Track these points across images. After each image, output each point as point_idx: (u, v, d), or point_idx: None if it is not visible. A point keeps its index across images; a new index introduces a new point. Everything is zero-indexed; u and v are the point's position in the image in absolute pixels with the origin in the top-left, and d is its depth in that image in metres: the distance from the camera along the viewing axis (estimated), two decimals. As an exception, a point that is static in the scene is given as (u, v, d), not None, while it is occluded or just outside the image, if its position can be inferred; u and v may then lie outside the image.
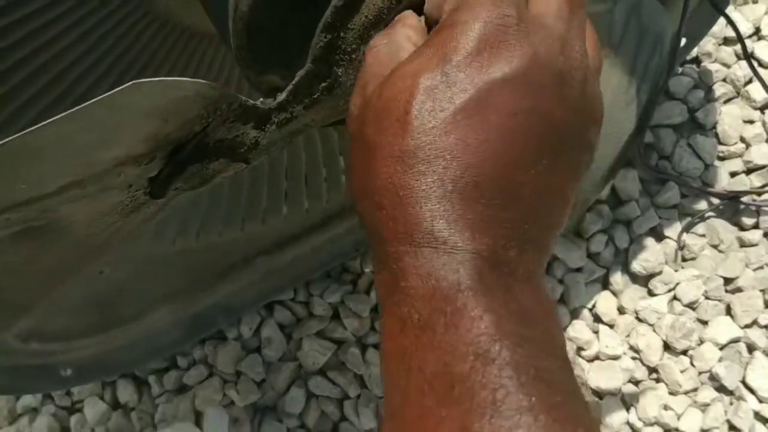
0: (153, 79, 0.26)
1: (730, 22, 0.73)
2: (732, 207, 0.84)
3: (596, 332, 0.81)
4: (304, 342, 0.81)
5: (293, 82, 0.34)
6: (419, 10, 0.34)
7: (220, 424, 0.73)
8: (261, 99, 0.34)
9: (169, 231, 0.64)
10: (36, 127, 0.26)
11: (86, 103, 0.26)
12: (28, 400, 0.83)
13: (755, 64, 0.84)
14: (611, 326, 0.81)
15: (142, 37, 0.46)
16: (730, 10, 0.88)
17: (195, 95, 0.29)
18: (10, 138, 0.26)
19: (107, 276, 0.68)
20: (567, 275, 0.82)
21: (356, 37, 0.34)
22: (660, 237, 0.83)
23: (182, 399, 0.81)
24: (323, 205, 0.75)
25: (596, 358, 0.80)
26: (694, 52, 0.87)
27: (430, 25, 0.33)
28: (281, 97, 0.34)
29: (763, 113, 0.86)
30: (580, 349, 0.80)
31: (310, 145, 0.68)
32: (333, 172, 0.72)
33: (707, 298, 0.81)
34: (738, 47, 0.88)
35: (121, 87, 0.26)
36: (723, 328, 0.79)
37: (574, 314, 0.82)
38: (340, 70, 0.35)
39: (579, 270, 0.82)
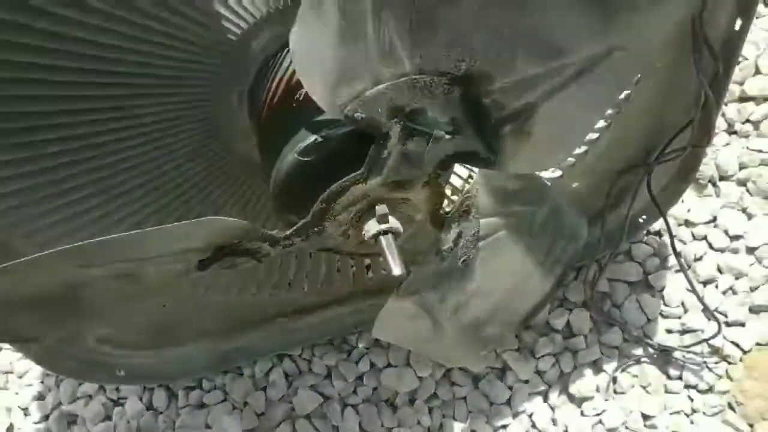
0: (219, 218, 0.51)
1: (665, 219, 0.95)
2: (663, 358, 1.02)
3: (530, 435, 1.00)
4: (299, 390, 1.03)
5: (295, 226, 0.58)
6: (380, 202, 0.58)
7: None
8: (276, 231, 0.58)
9: (219, 286, 0.89)
10: (153, 228, 0.51)
11: (182, 222, 0.51)
12: (86, 387, 1.08)
13: (707, 245, 1.04)
14: (543, 433, 1.00)
15: (224, 167, 0.73)
16: (693, 196, 1.09)
17: (238, 229, 0.53)
18: (136, 231, 0.51)
19: (168, 309, 0.93)
20: (515, 384, 1.02)
21: (341, 208, 0.58)
22: (598, 369, 1.02)
23: (199, 414, 1.04)
24: (333, 289, 0.98)
25: (526, 456, 0.99)
26: (657, 226, 1.07)
27: None
28: (287, 232, 0.58)
29: (705, 287, 1.05)
30: (514, 445, 0.99)
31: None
32: (344, 267, 0.96)
33: (626, 427, 0.99)
34: (695, 229, 1.08)
35: (203, 218, 0.51)
36: (633, 455, 0.97)
37: (516, 416, 1.01)
38: (327, 224, 0.59)
39: (526, 382, 1.02)
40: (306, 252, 0.87)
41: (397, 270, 0.57)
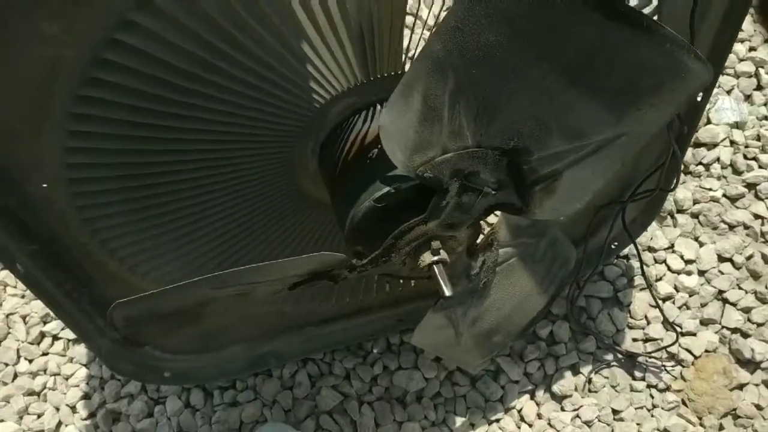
0: (326, 253, 0.67)
1: (636, 246, 1.14)
2: (630, 362, 1.22)
3: (519, 427, 1.18)
4: (322, 390, 1.19)
5: (371, 256, 0.74)
6: (434, 238, 0.74)
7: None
8: (354, 260, 0.74)
9: (269, 299, 1.04)
10: (264, 263, 0.67)
11: (299, 257, 0.67)
12: (128, 388, 1.21)
13: (666, 268, 1.25)
14: (530, 425, 1.18)
15: (292, 205, 0.88)
16: (655, 226, 1.29)
17: (337, 261, 0.69)
18: (263, 263, 0.67)
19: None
20: (507, 384, 1.20)
21: (405, 243, 0.75)
22: (576, 372, 1.21)
23: (233, 411, 1.18)
24: (357, 303, 1.14)
25: (516, 445, 1.17)
26: (626, 251, 1.27)
27: None
28: (364, 261, 0.74)
29: (664, 303, 1.25)
30: (506, 436, 1.17)
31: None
32: (368, 284, 1.12)
33: (599, 420, 1.18)
34: (657, 254, 1.28)
35: (308, 255, 0.67)
36: (605, 444, 1.16)
37: (507, 411, 1.19)
38: (393, 255, 0.75)
39: (516, 382, 1.20)
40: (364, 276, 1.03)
41: (447, 292, 0.74)
